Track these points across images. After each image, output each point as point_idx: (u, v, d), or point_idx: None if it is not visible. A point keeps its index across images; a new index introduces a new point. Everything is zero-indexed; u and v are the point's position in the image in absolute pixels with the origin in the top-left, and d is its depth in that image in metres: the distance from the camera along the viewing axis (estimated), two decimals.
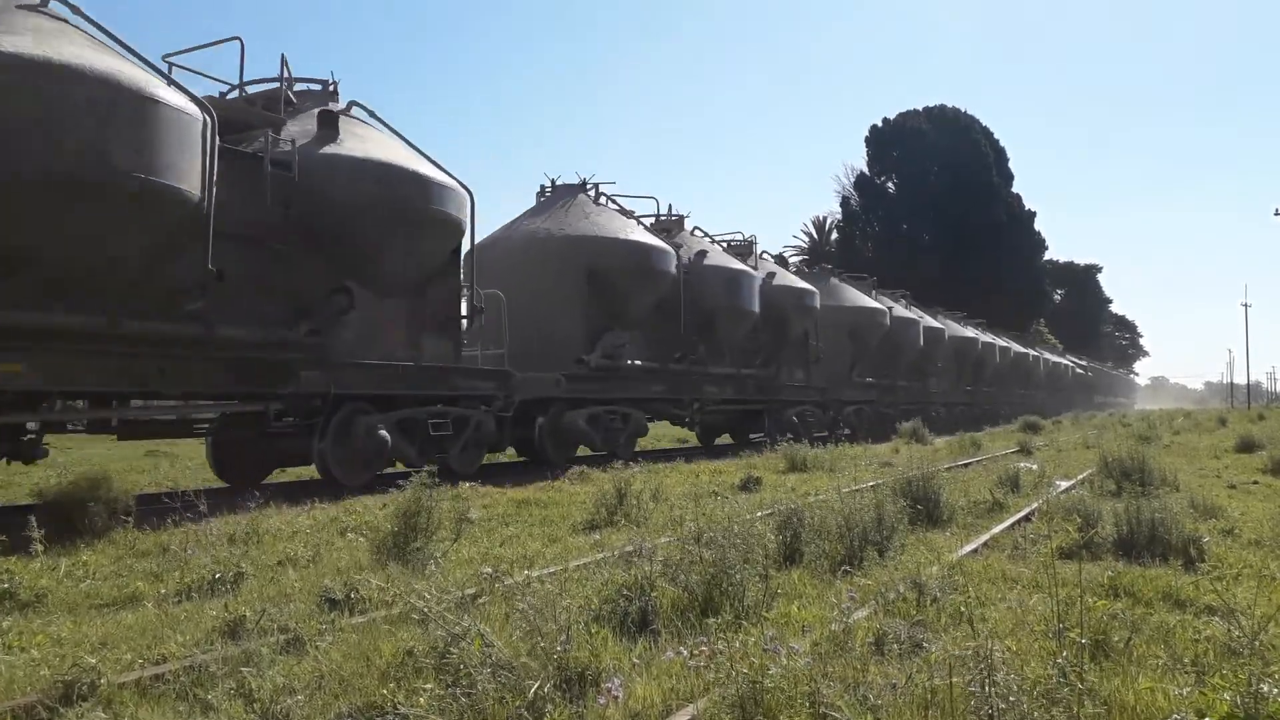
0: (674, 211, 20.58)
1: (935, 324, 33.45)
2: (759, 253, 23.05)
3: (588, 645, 3.50)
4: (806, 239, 72.03)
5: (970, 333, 39.12)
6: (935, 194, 62.74)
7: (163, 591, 5.29)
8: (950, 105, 68.51)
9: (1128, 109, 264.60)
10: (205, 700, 3.29)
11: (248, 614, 4.22)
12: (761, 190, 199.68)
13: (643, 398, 17.14)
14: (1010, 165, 68.87)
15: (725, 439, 22.75)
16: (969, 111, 68.19)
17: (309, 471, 11.49)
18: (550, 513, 8.73)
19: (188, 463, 15.07)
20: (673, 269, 17.42)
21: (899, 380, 28.97)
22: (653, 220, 19.83)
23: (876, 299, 28.89)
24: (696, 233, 20.62)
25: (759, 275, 20.96)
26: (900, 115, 68.52)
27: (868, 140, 68.67)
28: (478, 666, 3.10)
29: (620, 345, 16.08)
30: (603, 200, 17.76)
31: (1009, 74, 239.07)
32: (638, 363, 17.00)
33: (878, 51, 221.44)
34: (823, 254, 61.49)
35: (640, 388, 17.09)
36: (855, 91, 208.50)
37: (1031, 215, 70.62)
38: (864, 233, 67.55)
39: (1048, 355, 57.69)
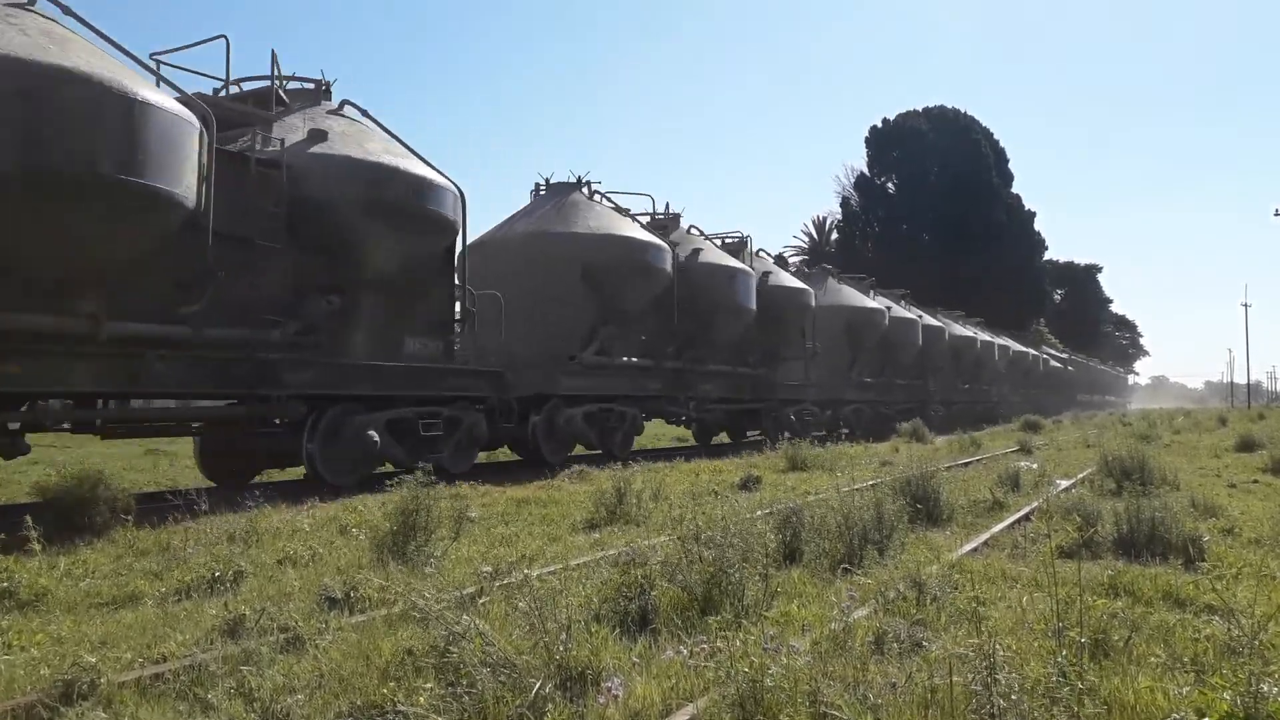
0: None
1: (792, 284, 22.83)
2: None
3: (588, 644, 3.50)
4: (806, 239, 72.14)
5: (875, 304, 27.75)
6: (935, 194, 62.77)
7: (162, 590, 5.29)
8: (950, 105, 68.68)
9: (1128, 109, 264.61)
10: (205, 699, 3.29)
11: (247, 613, 4.22)
12: (761, 190, 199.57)
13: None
14: (1010, 165, 69.04)
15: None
16: (969, 112, 68.35)
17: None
18: (550, 511, 8.73)
19: (186, 461, 15.10)
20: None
21: (712, 364, 19.13)
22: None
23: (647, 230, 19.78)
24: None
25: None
26: (900, 115, 68.64)
27: (868, 140, 68.76)
28: (478, 665, 3.10)
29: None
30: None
31: (1009, 74, 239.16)
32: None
33: (878, 51, 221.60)
34: (823, 254, 61.51)
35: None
36: (855, 91, 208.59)
37: (1031, 215, 70.72)
38: (864, 233, 67.60)
39: (1007, 343, 45.12)
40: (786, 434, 17.58)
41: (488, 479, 11.46)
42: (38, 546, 5.88)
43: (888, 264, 51.29)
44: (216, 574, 5.36)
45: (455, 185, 12.45)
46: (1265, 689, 2.65)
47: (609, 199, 17.52)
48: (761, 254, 23.06)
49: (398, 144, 12.21)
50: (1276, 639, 3.48)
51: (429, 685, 3.08)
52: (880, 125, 68.54)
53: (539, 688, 3.04)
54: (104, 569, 6.01)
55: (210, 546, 6.41)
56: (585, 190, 17.27)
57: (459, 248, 12.93)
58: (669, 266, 17.15)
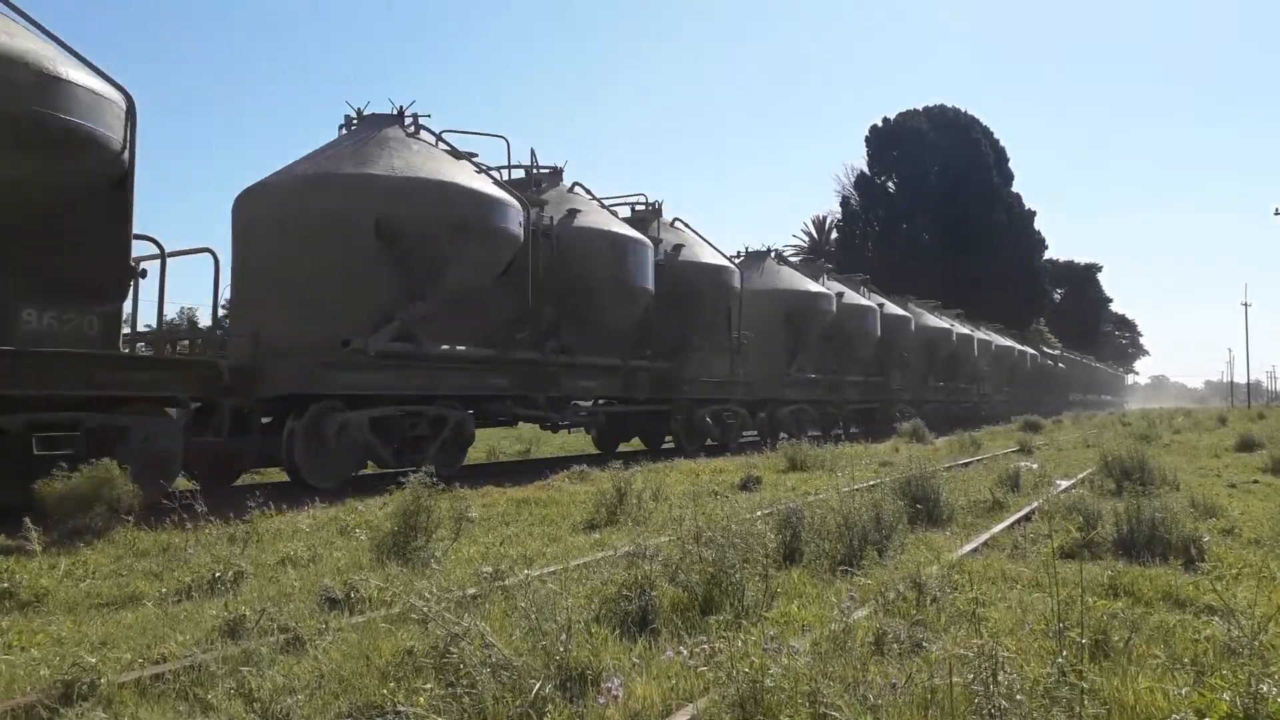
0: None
1: (710, 260, 18.68)
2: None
3: (588, 645, 3.50)
4: (806, 238, 72.17)
5: (820, 288, 23.73)
6: (935, 194, 62.88)
7: (163, 591, 5.29)
8: (950, 105, 68.82)
9: (1128, 109, 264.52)
10: (205, 700, 3.29)
11: (248, 613, 4.22)
12: (761, 190, 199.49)
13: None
14: (1010, 165, 69.16)
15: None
16: (969, 111, 68.46)
17: None
18: (550, 512, 8.74)
19: None
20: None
21: (585, 356, 14.92)
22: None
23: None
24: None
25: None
26: (900, 115, 68.73)
27: (868, 140, 68.84)
28: (478, 666, 3.10)
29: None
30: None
31: (1009, 74, 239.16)
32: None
33: (878, 51, 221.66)
34: (823, 253, 61.52)
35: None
36: (855, 91, 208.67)
37: (1031, 215, 70.79)
38: (864, 232, 67.68)
39: (990, 336, 40.60)
40: (709, 440, 14.63)
41: (487, 480, 11.46)
42: (38, 547, 5.88)
43: (888, 263, 51.41)
44: (217, 574, 5.36)
45: (122, 90, 8.64)
46: (1265, 689, 2.65)
47: (445, 140, 13.30)
48: (678, 224, 19.16)
49: (19, 23, 8.27)
50: (1276, 639, 3.48)
51: (429, 686, 3.08)
52: (880, 125, 68.65)
53: (539, 688, 3.05)
54: (104, 569, 6.01)
55: (210, 547, 6.41)
56: (410, 126, 13.01)
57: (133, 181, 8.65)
58: (517, 228, 12.94)
